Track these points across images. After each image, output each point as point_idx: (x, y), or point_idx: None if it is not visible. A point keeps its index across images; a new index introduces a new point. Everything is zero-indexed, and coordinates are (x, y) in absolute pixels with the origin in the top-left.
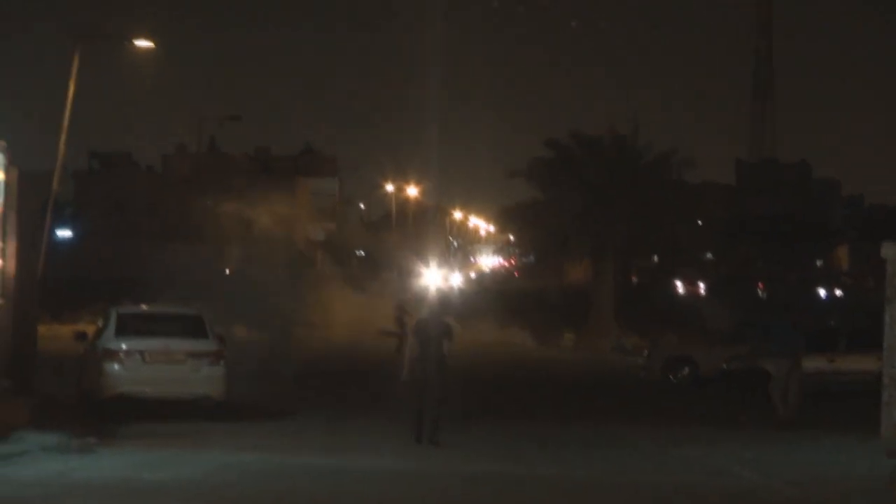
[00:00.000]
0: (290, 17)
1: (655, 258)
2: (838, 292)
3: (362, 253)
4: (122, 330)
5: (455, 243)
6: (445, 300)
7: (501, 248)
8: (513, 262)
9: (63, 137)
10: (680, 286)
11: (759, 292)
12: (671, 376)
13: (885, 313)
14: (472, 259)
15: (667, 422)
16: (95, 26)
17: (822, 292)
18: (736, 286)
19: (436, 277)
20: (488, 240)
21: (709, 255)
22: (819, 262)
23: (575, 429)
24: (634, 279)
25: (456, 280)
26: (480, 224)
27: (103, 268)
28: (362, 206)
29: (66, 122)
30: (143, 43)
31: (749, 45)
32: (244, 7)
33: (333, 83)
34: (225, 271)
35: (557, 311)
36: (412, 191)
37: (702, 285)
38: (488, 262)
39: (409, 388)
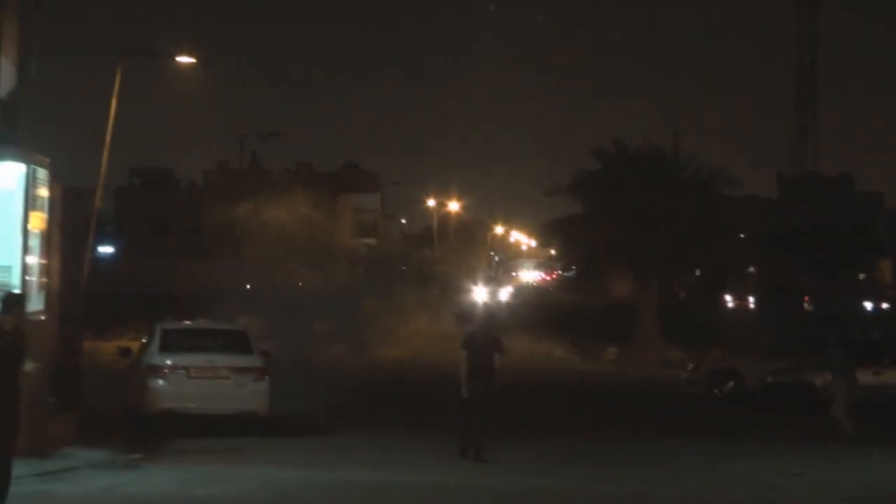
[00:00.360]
0: (334, 33)
1: (697, 272)
2: (885, 305)
3: (403, 268)
4: (167, 346)
5: (496, 258)
6: (493, 313)
7: (542, 263)
8: (554, 276)
9: (105, 154)
10: (729, 300)
11: (806, 305)
12: (716, 390)
13: None
14: (512, 273)
15: (713, 436)
16: (138, 44)
17: (868, 305)
18: (783, 299)
19: (481, 292)
20: (529, 254)
21: (751, 269)
22: (862, 276)
23: (621, 443)
24: (679, 293)
25: (503, 294)
26: (522, 239)
27: (144, 284)
28: (403, 221)
29: (108, 139)
30: (184, 59)
31: (791, 56)
32: (287, 22)
33: (376, 99)
34: (268, 285)
35: (600, 325)
36: (454, 206)
37: (751, 299)
38: (529, 276)
39: (464, 403)
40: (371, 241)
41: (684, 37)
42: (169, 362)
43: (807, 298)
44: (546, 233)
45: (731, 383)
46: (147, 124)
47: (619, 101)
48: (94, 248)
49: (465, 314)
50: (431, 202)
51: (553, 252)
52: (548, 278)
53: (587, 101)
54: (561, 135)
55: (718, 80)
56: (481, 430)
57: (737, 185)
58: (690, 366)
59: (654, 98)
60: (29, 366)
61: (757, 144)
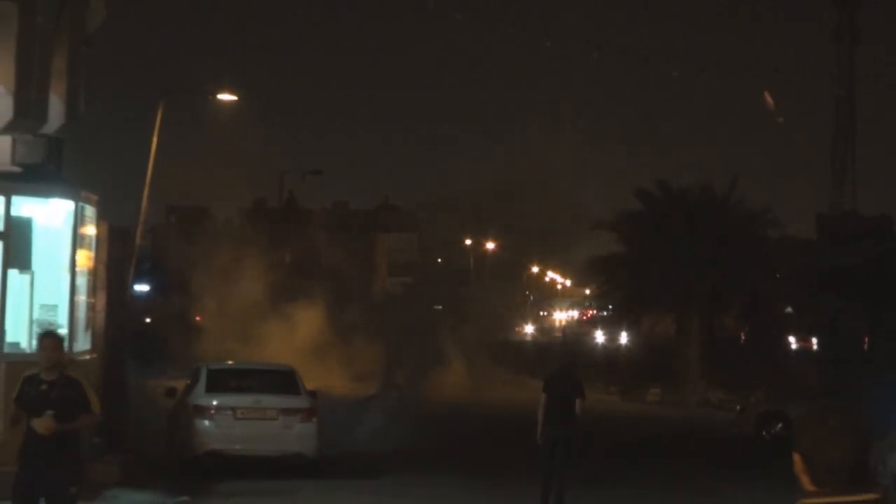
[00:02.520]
0: (372, 70)
1: (735, 313)
2: None
3: (440, 307)
4: (213, 386)
5: (531, 297)
6: (575, 354)
7: (577, 302)
8: (589, 315)
9: (146, 192)
10: (793, 341)
11: (864, 346)
12: (764, 433)
13: None
14: (546, 313)
15: (764, 482)
16: (180, 81)
17: None
18: (840, 340)
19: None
20: (564, 294)
21: (789, 310)
22: None
23: (674, 490)
24: (727, 329)
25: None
26: (557, 278)
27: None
28: (439, 260)
29: (148, 177)
30: (225, 97)
31: (830, 94)
32: (325, 60)
33: (412, 135)
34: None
35: (641, 365)
36: (490, 245)
37: (814, 340)
38: (564, 314)
39: (541, 450)
40: (407, 279)
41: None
42: (215, 402)
43: (865, 339)
44: (586, 270)
45: (780, 425)
46: (187, 162)
47: (660, 139)
48: (134, 287)
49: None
50: (468, 241)
51: (588, 291)
52: (584, 317)
53: (622, 141)
54: (598, 175)
55: (756, 117)
56: (562, 480)
57: (779, 226)
58: (738, 407)
59: (690, 136)
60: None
61: (796, 183)
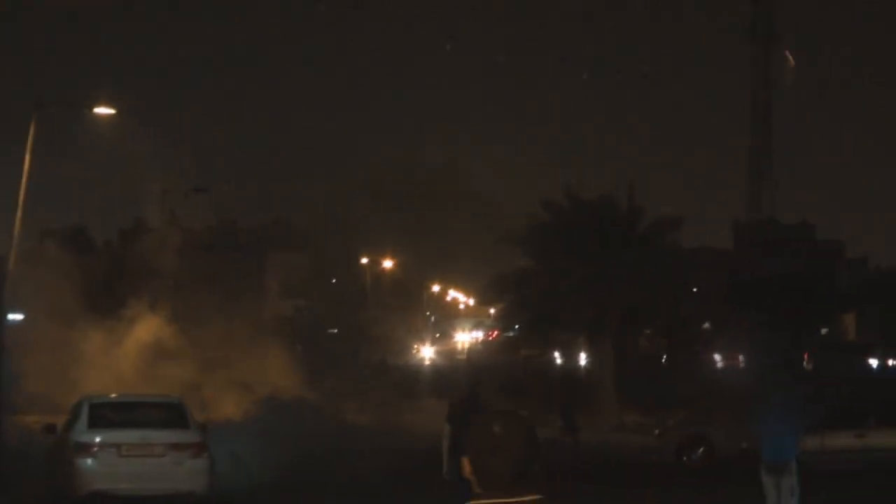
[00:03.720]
0: (263, 87)
1: (650, 330)
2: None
3: (335, 330)
4: (95, 421)
5: (432, 317)
6: (479, 380)
7: (481, 322)
8: (495, 335)
9: (19, 214)
10: (719, 359)
11: (805, 362)
12: (685, 458)
13: None
14: (450, 334)
15: None
16: (52, 95)
17: (874, 362)
18: (762, 356)
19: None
20: (468, 313)
21: (706, 325)
22: (824, 331)
23: None
24: (643, 348)
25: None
26: (459, 297)
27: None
28: (334, 280)
29: (21, 198)
30: (103, 110)
31: (746, 101)
32: (213, 74)
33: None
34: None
35: (549, 388)
36: (388, 263)
37: (741, 357)
38: (467, 336)
39: (449, 485)
40: (300, 302)
41: (629, 81)
42: (98, 439)
43: (806, 355)
44: (491, 289)
45: (702, 450)
46: (63, 181)
47: (569, 150)
48: (5, 315)
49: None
50: (364, 260)
51: (493, 311)
52: (488, 338)
53: (528, 151)
54: (501, 189)
55: (670, 125)
56: None
57: (683, 235)
58: (656, 431)
59: (599, 145)
60: None
61: (715, 194)
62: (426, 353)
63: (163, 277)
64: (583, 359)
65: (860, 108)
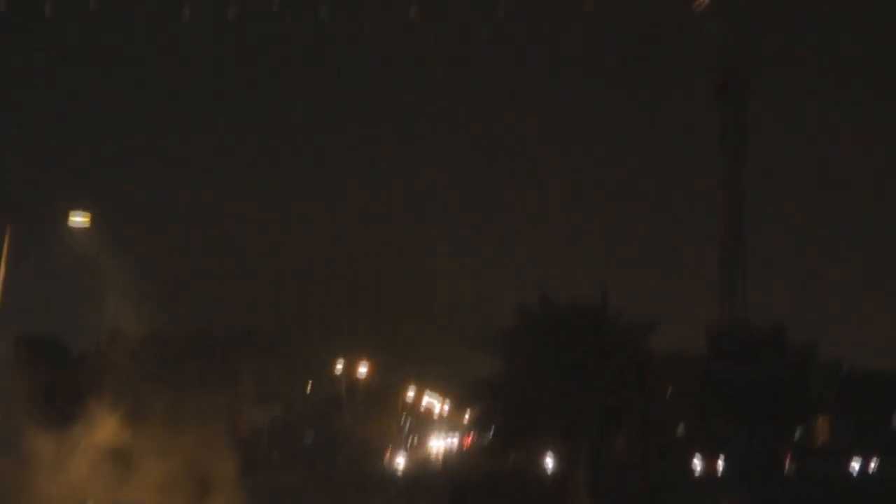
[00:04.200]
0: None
1: (625, 435)
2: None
3: (310, 438)
4: None
5: (407, 423)
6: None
7: (457, 428)
8: (469, 441)
9: None
10: (697, 462)
11: (786, 466)
12: None
13: None
14: (425, 439)
15: None
16: (29, 205)
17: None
18: (759, 459)
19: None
20: (442, 418)
21: (681, 429)
22: (798, 433)
23: None
24: (618, 455)
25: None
26: (434, 402)
27: None
28: (309, 387)
29: None
30: (78, 219)
31: (719, 200)
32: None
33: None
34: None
35: (524, 497)
36: (363, 369)
37: (720, 462)
38: (441, 442)
39: None
40: (276, 410)
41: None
42: None
43: (788, 458)
44: (467, 395)
45: None
46: (39, 289)
47: (539, 253)
48: None
49: None
50: (339, 366)
51: (468, 416)
52: (463, 444)
53: (502, 254)
54: (475, 293)
55: (644, 228)
56: None
57: (656, 340)
58: None
59: (573, 249)
60: None
61: (688, 298)
62: (399, 461)
63: (131, 383)
64: (555, 464)
65: (836, 210)
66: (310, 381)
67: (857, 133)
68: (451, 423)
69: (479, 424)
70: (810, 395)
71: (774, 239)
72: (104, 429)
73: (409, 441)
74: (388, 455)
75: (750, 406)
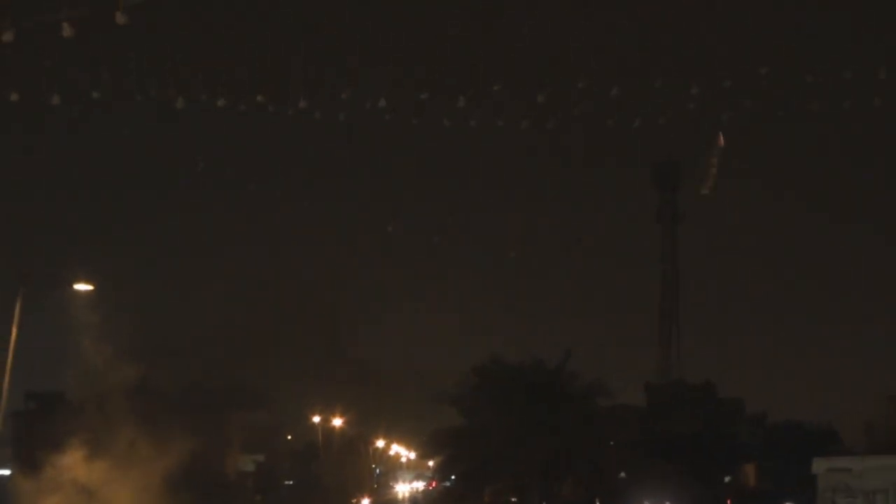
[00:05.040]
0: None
1: (573, 480)
2: None
3: (290, 482)
4: None
5: (377, 470)
6: None
7: (421, 474)
8: (433, 486)
9: (6, 380)
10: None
11: None
12: None
13: None
14: (393, 484)
15: None
16: (35, 272)
17: None
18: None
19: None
20: (409, 466)
21: (623, 475)
22: (728, 478)
23: None
24: (567, 500)
25: None
26: (401, 451)
27: None
28: (290, 437)
29: (8, 366)
30: (82, 287)
31: (656, 272)
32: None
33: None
34: None
35: None
36: (337, 421)
37: None
38: (408, 486)
39: None
40: (259, 457)
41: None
42: None
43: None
44: (430, 444)
45: None
46: (46, 347)
47: (495, 317)
48: None
49: None
50: (316, 418)
51: (432, 463)
52: (429, 488)
53: (461, 320)
54: (437, 355)
55: (589, 294)
56: None
57: (610, 396)
58: None
59: (528, 314)
60: None
61: (630, 355)
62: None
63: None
64: None
65: (762, 279)
66: (290, 432)
67: (782, 212)
68: (417, 470)
69: (442, 470)
70: (738, 444)
71: (706, 305)
72: (88, 472)
73: (379, 485)
74: (359, 498)
75: (684, 454)
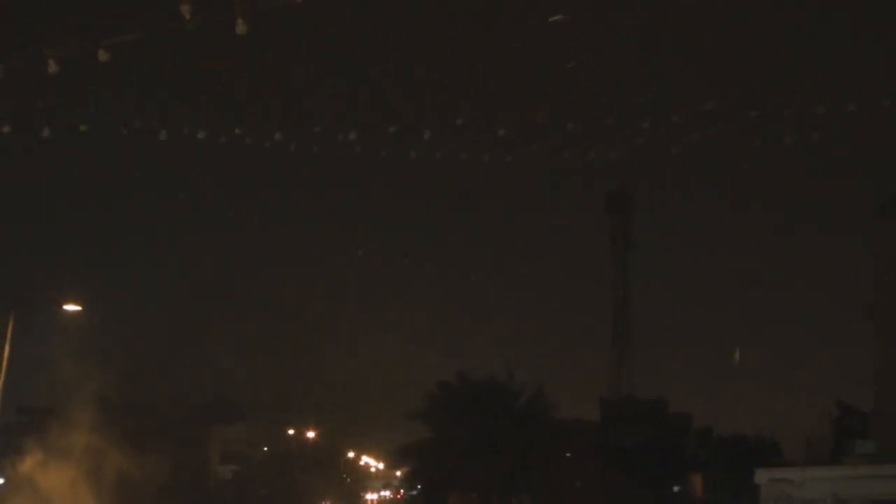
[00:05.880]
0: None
1: (531, 490)
2: None
3: (265, 492)
4: None
5: (348, 480)
6: None
7: (389, 484)
8: (400, 495)
9: None
10: None
11: None
12: None
13: None
14: (363, 493)
15: None
16: (28, 294)
17: None
18: None
19: None
20: (378, 476)
21: (578, 485)
22: (676, 488)
23: None
24: None
25: None
26: (371, 462)
27: None
28: (266, 448)
29: (1, 384)
30: (71, 307)
31: (610, 292)
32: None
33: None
34: None
35: None
36: (311, 434)
37: None
38: (376, 495)
39: None
40: (237, 468)
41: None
42: None
43: None
44: (397, 456)
45: None
46: (35, 363)
47: (461, 336)
48: None
49: None
50: (291, 431)
51: (399, 473)
52: (396, 497)
53: (429, 340)
54: (406, 373)
55: (546, 314)
56: None
57: (555, 408)
58: None
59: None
60: None
61: (585, 371)
62: None
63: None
64: None
65: (709, 300)
66: (266, 444)
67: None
68: (384, 480)
69: (407, 481)
70: (686, 456)
71: (657, 325)
72: (73, 488)
73: (350, 493)
74: None
75: (636, 465)
